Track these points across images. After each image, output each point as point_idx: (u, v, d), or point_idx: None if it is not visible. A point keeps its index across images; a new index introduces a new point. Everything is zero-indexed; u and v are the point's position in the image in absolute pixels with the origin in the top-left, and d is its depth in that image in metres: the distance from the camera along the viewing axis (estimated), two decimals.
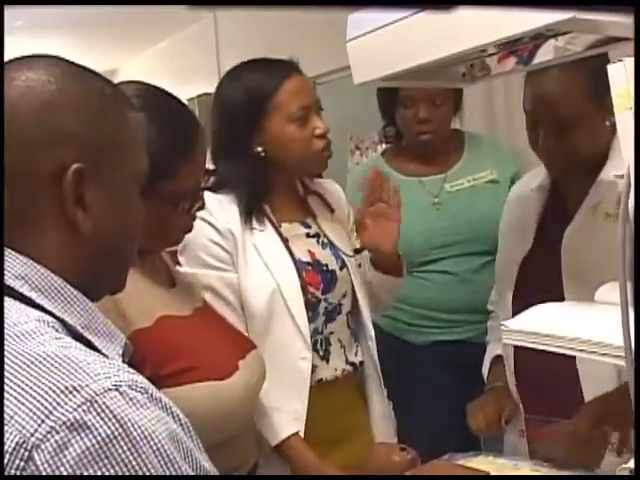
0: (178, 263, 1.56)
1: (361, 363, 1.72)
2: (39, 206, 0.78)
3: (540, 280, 1.54)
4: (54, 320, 0.75)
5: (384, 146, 3.92)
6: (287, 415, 1.55)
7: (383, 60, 1.41)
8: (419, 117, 2.11)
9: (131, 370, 0.72)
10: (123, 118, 0.85)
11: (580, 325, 1.22)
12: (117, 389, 0.68)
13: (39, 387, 0.66)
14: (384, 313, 2.04)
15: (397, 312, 2.12)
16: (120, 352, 0.81)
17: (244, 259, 1.60)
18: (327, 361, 1.65)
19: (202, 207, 1.32)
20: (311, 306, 1.63)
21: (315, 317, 1.64)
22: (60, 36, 5.09)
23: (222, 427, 1.22)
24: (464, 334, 2.13)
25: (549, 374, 1.48)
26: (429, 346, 2.15)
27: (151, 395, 0.70)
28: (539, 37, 1.37)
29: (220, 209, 1.60)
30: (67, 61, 0.84)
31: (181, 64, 5.35)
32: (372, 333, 1.73)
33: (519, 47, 1.45)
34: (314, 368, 1.61)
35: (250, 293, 1.58)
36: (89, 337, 0.78)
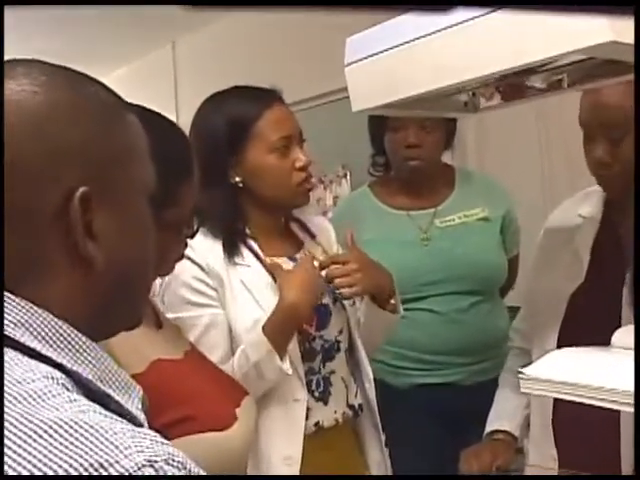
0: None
1: (360, 406, 1.62)
2: (40, 241, 0.65)
3: (595, 321, 1.42)
4: (64, 376, 0.62)
5: (349, 180, 3.90)
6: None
7: (384, 87, 1.33)
8: (408, 142, 2.02)
9: (164, 440, 0.59)
10: (124, 124, 0.72)
11: (601, 372, 1.15)
12: (152, 465, 0.55)
13: (56, 464, 0.53)
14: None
15: (378, 352, 2.00)
16: (139, 406, 0.68)
17: (231, 296, 1.50)
18: (325, 403, 1.55)
19: (194, 234, 1.21)
20: (305, 344, 1.53)
21: (310, 356, 1.54)
22: None
23: None
24: (450, 377, 2.02)
25: (591, 426, 1.37)
26: (412, 389, 2.04)
27: (189, 471, 0.57)
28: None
29: (203, 245, 1.49)
30: (50, 64, 0.71)
31: (138, 93, 5.22)
32: (370, 374, 1.64)
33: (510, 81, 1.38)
34: (308, 411, 1.51)
35: (240, 330, 1.49)
36: (107, 391, 0.65)
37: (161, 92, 4.96)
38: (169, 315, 1.38)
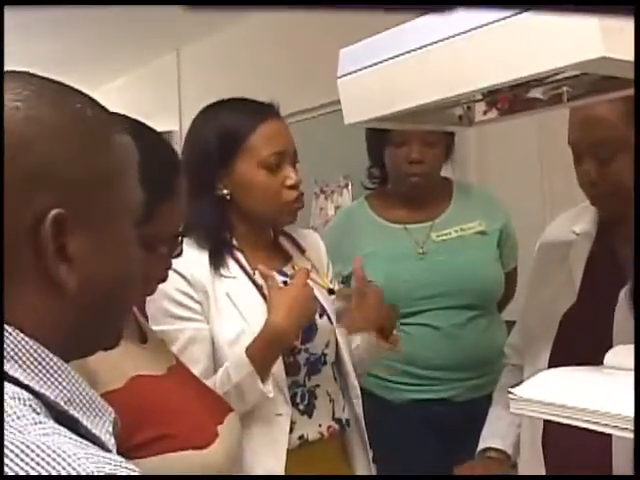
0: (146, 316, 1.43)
1: (347, 421, 1.60)
2: (12, 260, 0.63)
3: (587, 341, 1.38)
4: (31, 397, 0.60)
5: (350, 190, 3.88)
6: None
7: (377, 100, 1.31)
8: (411, 157, 2.00)
9: (129, 466, 0.57)
10: (109, 145, 0.71)
11: (593, 394, 1.12)
12: None
13: None
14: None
15: (373, 367, 1.98)
16: (110, 429, 0.66)
17: (216, 309, 1.48)
18: (309, 416, 1.53)
19: (180, 254, 1.19)
20: (289, 357, 1.51)
21: (294, 369, 1.53)
22: None
23: None
24: (446, 392, 2.00)
25: (581, 447, 1.34)
26: (408, 405, 2.02)
27: None
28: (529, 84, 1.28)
29: (187, 256, 1.47)
30: (38, 77, 0.69)
31: (141, 101, 5.22)
32: (357, 389, 1.62)
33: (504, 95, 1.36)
34: (292, 425, 1.49)
35: (223, 343, 1.47)
36: (75, 414, 0.63)
37: (165, 100, 4.95)
38: (153, 327, 1.36)
